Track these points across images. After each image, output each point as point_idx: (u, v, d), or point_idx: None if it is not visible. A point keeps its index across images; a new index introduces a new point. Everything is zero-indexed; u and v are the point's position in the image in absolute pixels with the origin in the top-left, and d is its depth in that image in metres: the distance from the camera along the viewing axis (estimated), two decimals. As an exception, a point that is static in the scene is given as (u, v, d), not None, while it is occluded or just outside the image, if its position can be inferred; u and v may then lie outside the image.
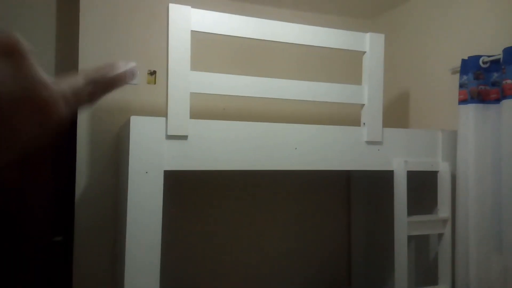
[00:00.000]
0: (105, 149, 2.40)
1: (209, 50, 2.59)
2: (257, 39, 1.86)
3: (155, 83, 2.55)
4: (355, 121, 2.15)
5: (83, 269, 2.34)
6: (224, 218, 2.67)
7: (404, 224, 2.00)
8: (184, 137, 1.69)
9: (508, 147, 1.91)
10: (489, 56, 2.06)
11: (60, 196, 2.47)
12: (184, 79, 1.68)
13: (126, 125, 1.77)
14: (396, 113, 2.79)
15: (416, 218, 2.05)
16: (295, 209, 2.86)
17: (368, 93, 2.04)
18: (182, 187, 2.54)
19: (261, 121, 1.95)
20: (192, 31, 1.71)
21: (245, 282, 2.71)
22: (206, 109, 2.52)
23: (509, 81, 1.91)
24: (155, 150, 1.64)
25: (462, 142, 2.13)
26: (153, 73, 2.56)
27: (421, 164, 2.13)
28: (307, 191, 2.90)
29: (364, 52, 2.05)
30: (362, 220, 2.93)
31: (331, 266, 2.93)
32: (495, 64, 2.04)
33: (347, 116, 2.63)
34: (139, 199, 1.61)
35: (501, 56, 1.96)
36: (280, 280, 2.79)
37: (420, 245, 2.43)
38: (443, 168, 2.14)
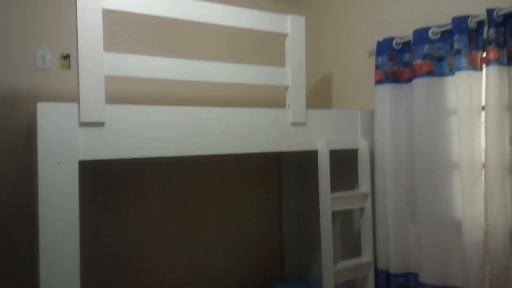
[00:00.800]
0: (16, 143, 2.18)
1: (127, 30, 2.45)
2: (175, 18, 1.78)
3: (69, 67, 2.36)
4: (281, 104, 2.17)
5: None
6: (151, 209, 2.58)
7: (328, 200, 2.07)
8: (100, 124, 1.58)
9: (419, 122, 2.05)
10: (401, 38, 2.18)
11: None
12: (97, 61, 1.56)
13: (35, 114, 1.62)
14: (320, 94, 2.87)
15: (339, 194, 2.14)
16: (227, 194, 2.85)
17: (292, 75, 2.06)
18: (103, 178, 2.40)
19: (186, 105, 1.89)
20: (103, 9, 1.59)
21: (175, 276, 2.65)
22: (130, 94, 2.39)
23: (418, 61, 2.04)
24: (67, 139, 1.52)
25: (378, 120, 2.24)
26: (66, 57, 2.36)
27: (342, 143, 2.21)
28: (238, 176, 2.89)
29: (286, 35, 2.06)
30: (293, 201, 3.00)
31: (263, 247, 2.98)
32: (406, 45, 2.17)
33: (273, 99, 2.65)
34: (51, 193, 1.48)
35: (411, 38, 2.09)
36: (212, 266, 2.78)
37: (346, 220, 2.55)
38: (362, 146, 2.24)
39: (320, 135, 2.16)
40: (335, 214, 2.57)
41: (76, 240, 1.52)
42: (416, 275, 2.08)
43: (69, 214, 1.51)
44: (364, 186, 2.24)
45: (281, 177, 3.05)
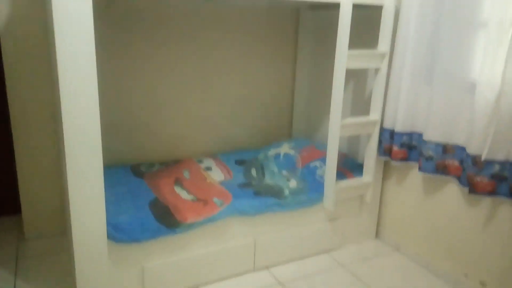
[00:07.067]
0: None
1: None
2: None
3: None
4: None
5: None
6: (166, 58, 2.59)
7: (344, 56, 2.04)
8: None
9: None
10: None
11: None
12: None
13: None
14: None
15: (356, 51, 2.09)
16: (243, 49, 2.81)
17: None
18: (116, 13, 2.37)
19: None
20: None
21: (184, 125, 2.76)
22: None
23: None
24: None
25: (411, -26, 2.07)
26: None
27: (367, -4, 2.09)
28: (255, 30, 2.82)
29: None
30: (308, 66, 2.97)
31: (274, 107, 3.04)
32: None
33: None
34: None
35: None
36: (222, 119, 2.88)
37: (359, 85, 2.55)
38: (388, 3, 2.11)
39: (345, -14, 2.02)
40: (348, 77, 2.56)
41: (93, 64, 1.54)
42: (420, 135, 2.14)
43: (85, 32, 1.51)
44: (383, 45, 2.17)
45: (298, 40, 2.97)
